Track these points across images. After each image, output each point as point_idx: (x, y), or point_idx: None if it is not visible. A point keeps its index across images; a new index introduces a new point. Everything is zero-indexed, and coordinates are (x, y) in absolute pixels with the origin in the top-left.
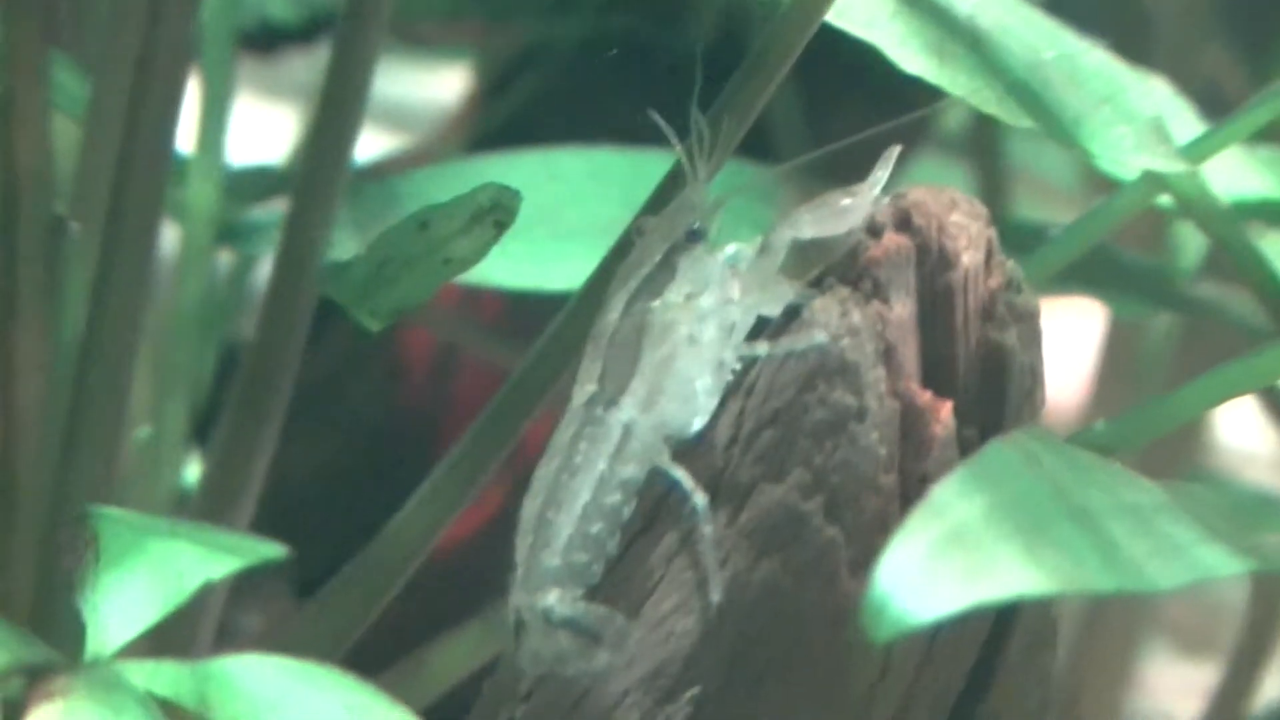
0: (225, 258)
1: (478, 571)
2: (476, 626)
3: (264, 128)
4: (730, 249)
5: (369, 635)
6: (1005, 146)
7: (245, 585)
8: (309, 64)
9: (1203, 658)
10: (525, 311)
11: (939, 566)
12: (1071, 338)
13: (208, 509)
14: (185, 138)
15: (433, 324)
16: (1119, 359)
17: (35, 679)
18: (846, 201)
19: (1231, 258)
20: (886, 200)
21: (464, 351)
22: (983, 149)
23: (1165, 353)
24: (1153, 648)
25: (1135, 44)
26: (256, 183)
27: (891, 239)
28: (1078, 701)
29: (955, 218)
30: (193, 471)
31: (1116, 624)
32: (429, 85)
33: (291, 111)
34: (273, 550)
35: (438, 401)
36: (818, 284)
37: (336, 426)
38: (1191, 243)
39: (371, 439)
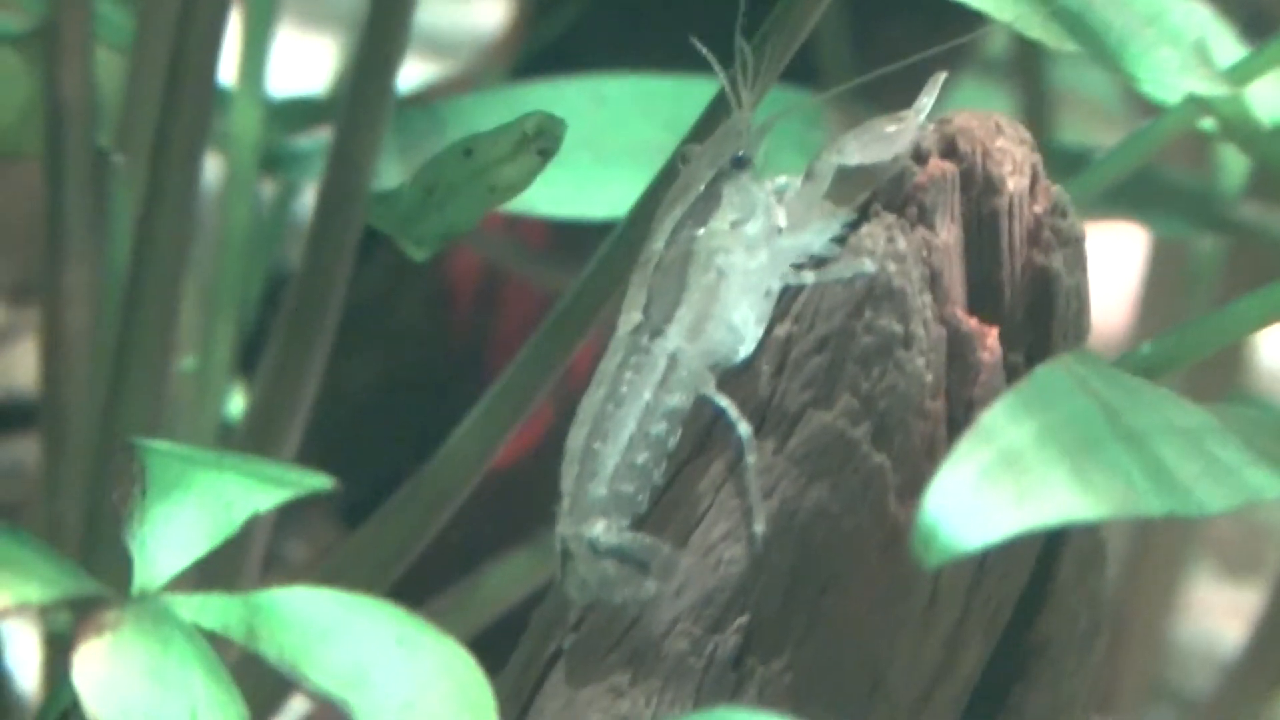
0: (270, 187)
1: (526, 496)
2: (525, 553)
3: (305, 58)
4: (778, 178)
5: (419, 560)
6: (1049, 71)
7: (292, 513)
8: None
9: (1248, 580)
10: (572, 235)
11: (989, 491)
12: (1116, 261)
13: (255, 436)
14: (228, 69)
15: (479, 247)
16: (1164, 282)
17: (84, 612)
18: (892, 128)
19: (1275, 180)
20: (931, 126)
21: (510, 274)
22: (1026, 73)
23: (1210, 275)
24: (1199, 570)
25: None
26: (300, 112)
27: (936, 165)
28: (1126, 624)
29: (1000, 143)
30: (239, 399)
31: (1163, 547)
32: (470, 12)
33: (332, 41)
34: (319, 481)
35: (484, 325)
36: (864, 210)
37: (383, 351)
38: (1235, 165)
39: (418, 363)
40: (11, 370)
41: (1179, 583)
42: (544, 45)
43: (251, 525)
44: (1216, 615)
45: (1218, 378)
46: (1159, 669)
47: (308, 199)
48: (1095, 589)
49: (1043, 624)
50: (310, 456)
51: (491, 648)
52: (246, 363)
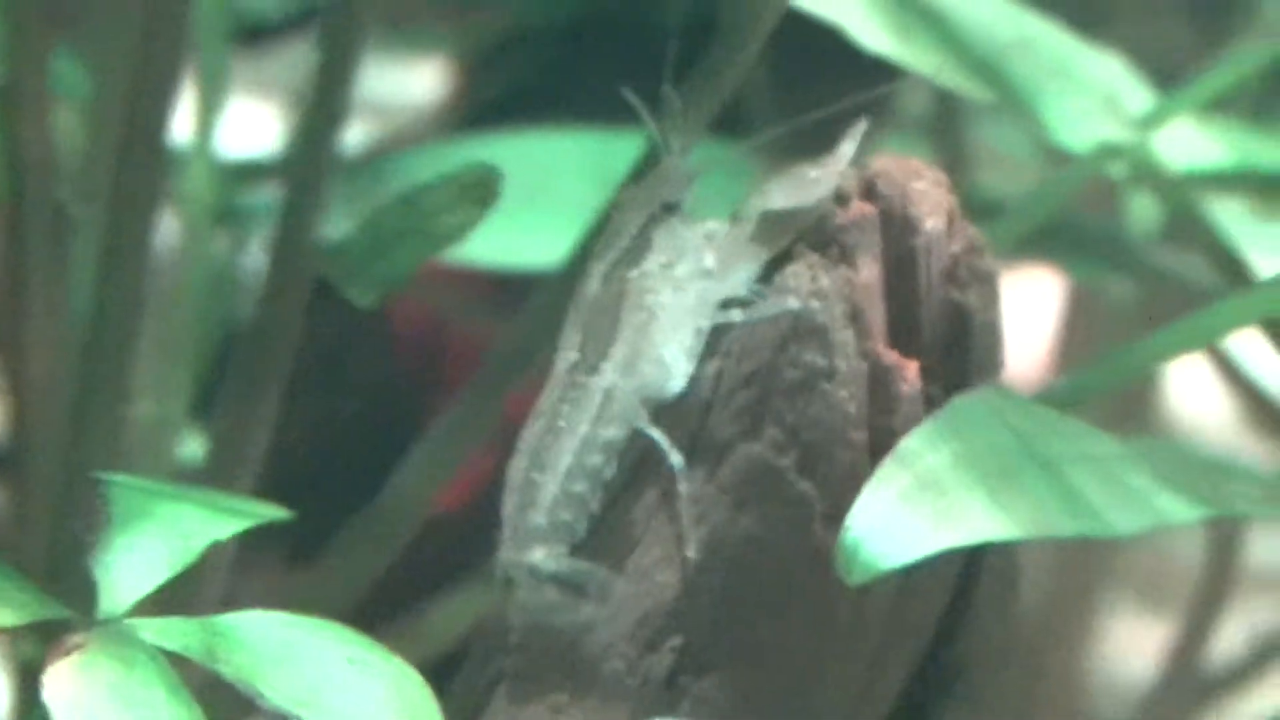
0: (223, 241)
1: (470, 538)
2: (471, 588)
3: (254, 124)
4: (706, 222)
5: (367, 600)
6: (967, 129)
7: (244, 557)
8: (294, 62)
9: (1162, 613)
10: (513, 287)
11: (908, 513)
12: (1033, 307)
13: (211, 478)
14: (182, 130)
15: (425, 298)
16: (1080, 327)
17: (52, 636)
18: (815, 173)
19: (1185, 224)
20: (853, 171)
21: (454, 325)
22: (946, 130)
23: (1125, 320)
24: (1114, 604)
25: (1091, 22)
26: (250, 171)
27: (858, 207)
28: (1043, 655)
29: (918, 186)
30: (196, 445)
31: (1079, 581)
32: (407, 81)
33: (278, 109)
34: (275, 512)
35: (429, 373)
36: (788, 251)
37: (332, 399)
38: (1146, 211)
39: (366, 410)
40: None
41: (1095, 616)
42: (481, 108)
43: (211, 556)
44: (1131, 647)
45: (1128, 421)
46: (1075, 700)
47: (258, 254)
48: (1009, 611)
49: (961, 645)
50: (264, 499)
51: (438, 680)
52: (202, 409)
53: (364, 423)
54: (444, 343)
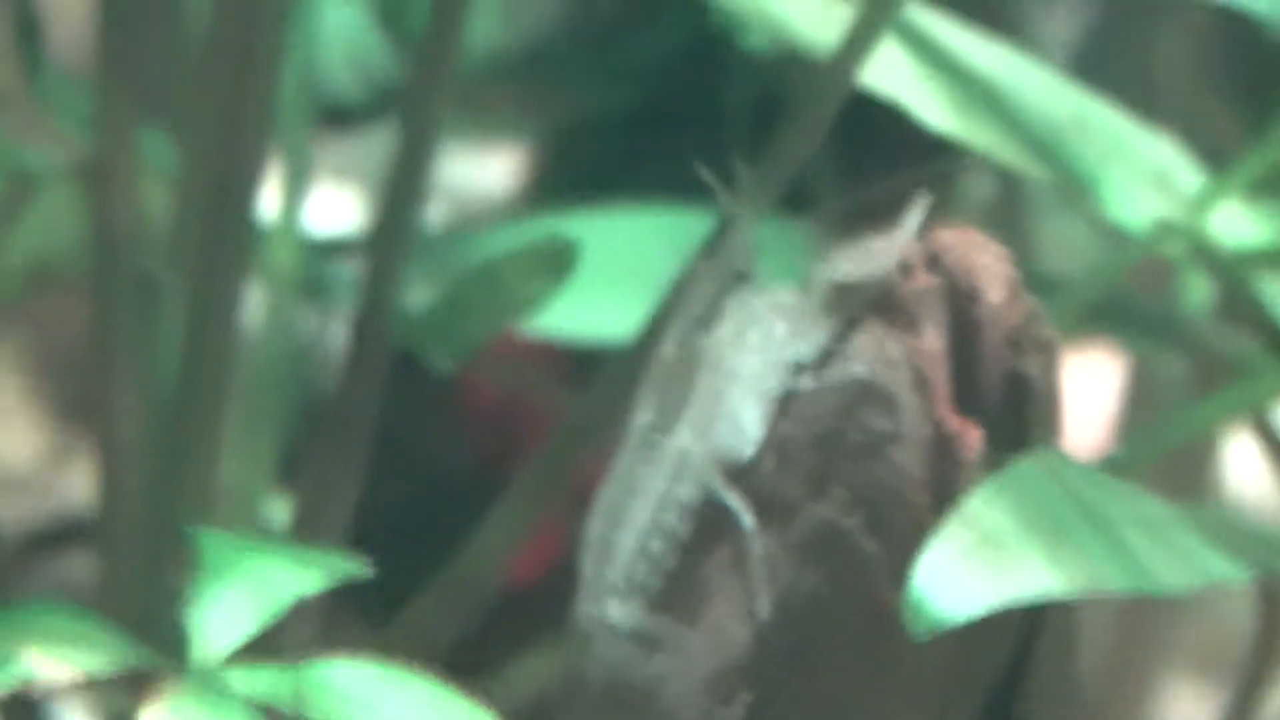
0: (306, 314)
1: (545, 609)
2: (546, 653)
3: (335, 206)
4: (776, 292)
5: (445, 665)
6: (1028, 216)
7: (325, 624)
8: (374, 148)
9: (1213, 682)
10: (584, 364)
11: (970, 568)
12: (1091, 383)
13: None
14: (268, 208)
15: (499, 375)
16: (1137, 404)
17: (142, 686)
18: (880, 245)
19: (1238, 303)
20: (917, 243)
21: (527, 402)
22: (1006, 216)
23: (1181, 397)
24: (1169, 672)
25: (1142, 103)
26: (333, 246)
27: (922, 278)
28: (1101, 716)
29: (980, 258)
30: (280, 512)
31: (1137, 649)
32: (482, 168)
33: (359, 193)
34: (360, 567)
35: (503, 450)
36: (856, 321)
37: (412, 474)
38: (1200, 288)
39: (442, 485)
40: (66, 488)
41: (1151, 683)
42: (554, 192)
43: (298, 611)
44: (1185, 715)
45: (1182, 495)
46: None
47: (340, 326)
48: (1071, 669)
49: (1022, 702)
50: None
51: None
52: (286, 477)
53: (441, 495)
54: (518, 419)
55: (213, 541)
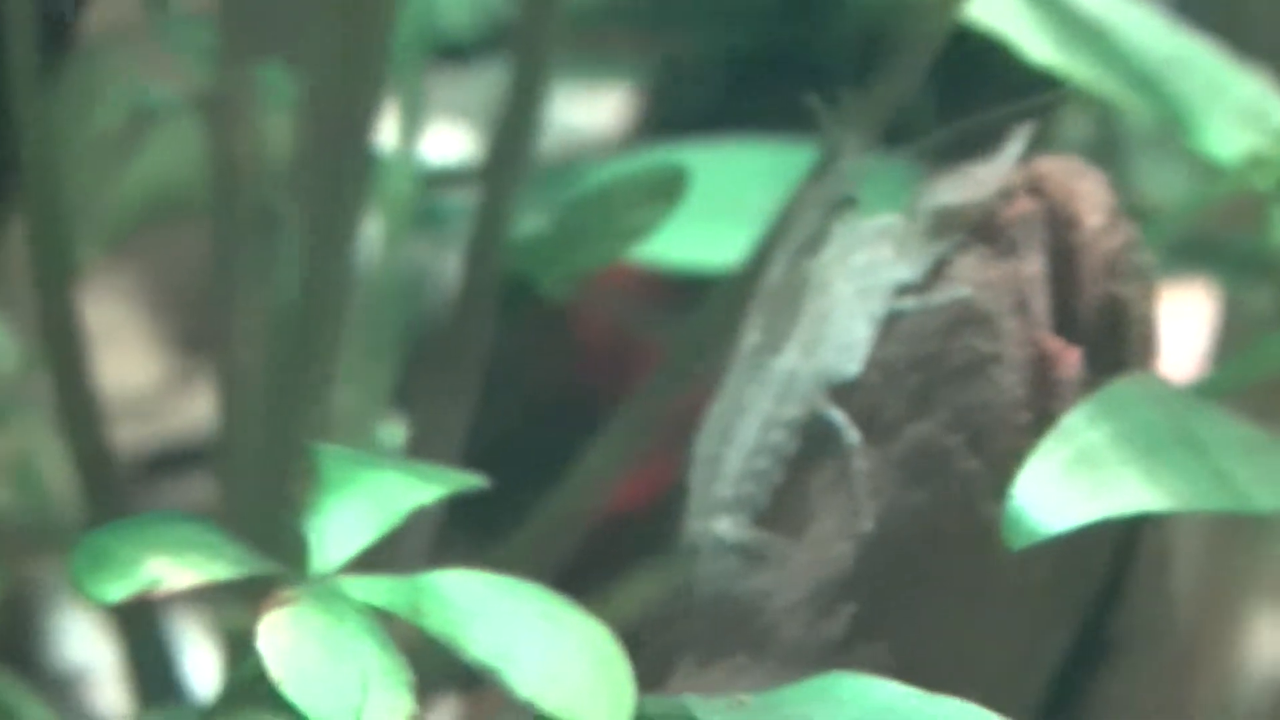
0: (421, 243)
1: (650, 537)
2: (653, 575)
3: (448, 141)
4: (882, 216)
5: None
6: (1125, 160)
7: (438, 542)
8: (486, 85)
9: None
10: (691, 294)
11: (1068, 484)
12: (1184, 319)
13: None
14: (384, 140)
15: (608, 305)
16: (1228, 337)
17: (265, 590)
18: (982, 172)
19: None
20: (1018, 170)
21: (634, 333)
22: (1104, 160)
23: (1271, 330)
24: (1264, 604)
25: (1237, 42)
26: (447, 177)
27: (1023, 203)
28: (1193, 642)
29: (1080, 184)
30: (395, 436)
31: (1231, 579)
32: (592, 107)
33: (471, 129)
34: (475, 480)
35: (611, 379)
36: (959, 244)
37: (522, 403)
38: None
39: (552, 413)
40: (184, 415)
41: (1245, 614)
42: (662, 132)
43: (413, 524)
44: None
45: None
46: (1223, 689)
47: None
48: (1165, 591)
49: (1117, 621)
50: (457, 498)
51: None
52: (402, 402)
53: (550, 422)
54: (626, 349)
55: (330, 456)
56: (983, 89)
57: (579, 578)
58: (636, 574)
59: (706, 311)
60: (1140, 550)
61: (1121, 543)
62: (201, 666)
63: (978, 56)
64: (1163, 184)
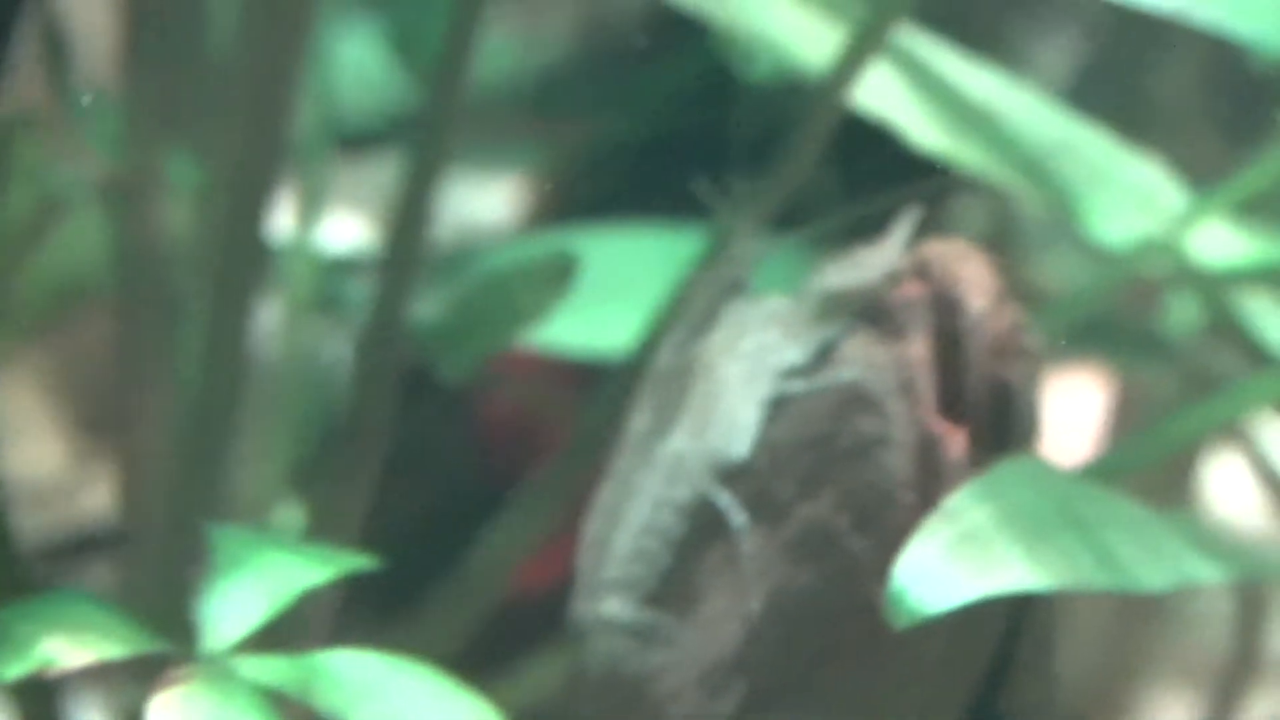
0: (320, 328)
1: (554, 615)
2: (553, 657)
3: (347, 230)
4: (769, 300)
5: (455, 667)
6: (1020, 249)
7: (338, 623)
8: (383, 176)
9: (1192, 695)
10: (596, 381)
11: (951, 562)
12: (1079, 402)
13: None
14: (285, 227)
15: (514, 390)
16: (1123, 420)
17: (157, 669)
18: (870, 256)
19: (1223, 321)
20: (906, 254)
21: (537, 416)
22: (999, 248)
23: (1167, 414)
24: (1150, 684)
25: (1135, 130)
26: (346, 265)
27: (910, 287)
28: None
29: (967, 268)
30: (294, 519)
31: (1118, 660)
32: (488, 196)
33: (370, 218)
34: (368, 561)
35: (514, 461)
36: (846, 328)
37: (425, 487)
38: (1188, 307)
39: (457, 497)
40: (87, 501)
41: (1132, 694)
42: (557, 219)
43: (311, 607)
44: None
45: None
46: None
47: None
48: (1050, 670)
49: (1003, 700)
50: (362, 579)
51: None
52: (301, 485)
53: (452, 504)
54: (529, 431)
55: (226, 536)
56: (881, 173)
57: (482, 658)
58: (539, 654)
59: (608, 394)
60: (1027, 631)
61: (1010, 623)
62: None
63: (875, 142)
64: (1061, 268)
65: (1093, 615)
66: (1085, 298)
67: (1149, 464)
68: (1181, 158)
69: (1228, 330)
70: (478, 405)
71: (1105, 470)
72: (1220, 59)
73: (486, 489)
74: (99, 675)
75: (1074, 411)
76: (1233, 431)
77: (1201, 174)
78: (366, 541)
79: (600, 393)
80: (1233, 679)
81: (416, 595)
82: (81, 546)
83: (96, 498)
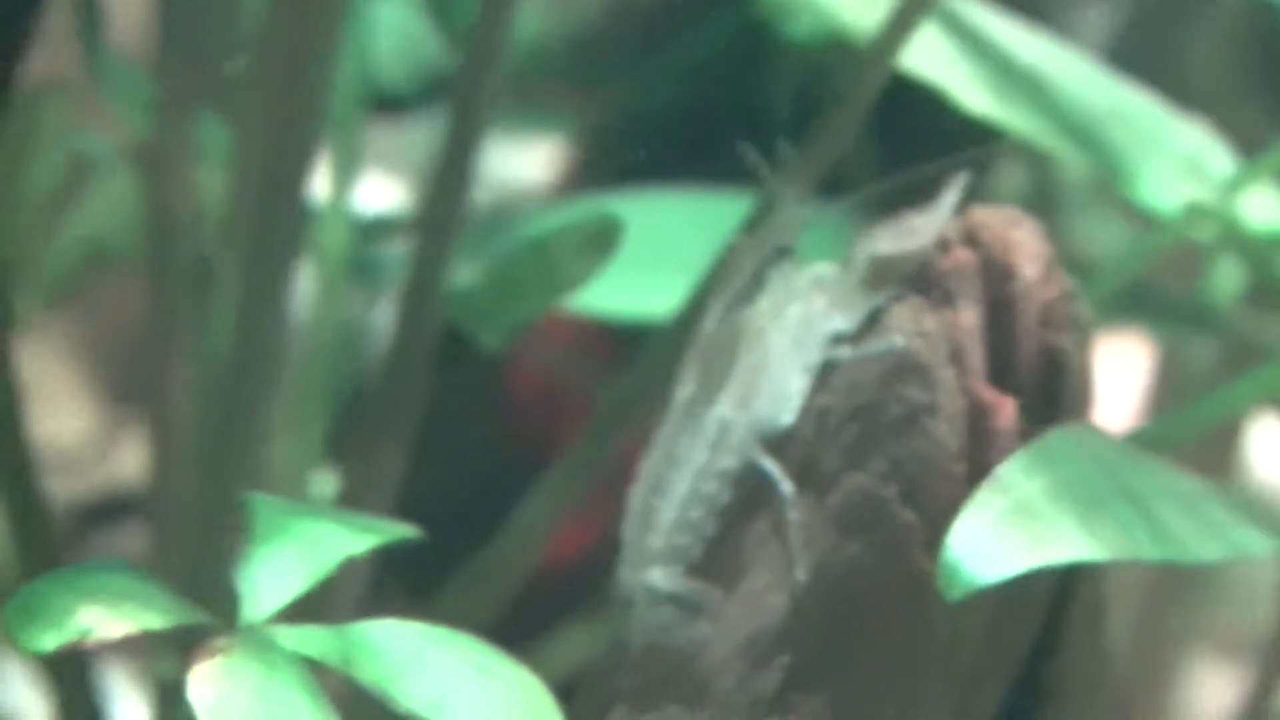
0: (356, 294)
1: (585, 588)
2: (586, 627)
3: (382, 193)
4: (817, 266)
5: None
6: (1062, 213)
7: (370, 596)
8: (421, 139)
9: (1238, 666)
10: (628, 350)
11: (1004, 534)
12: (1122, 371)
13: None
14: (319, 191)
15: (542, 361)
16: (1166, 389)
17: (197, 640)
18: (919, 222)
19: (1266, 286)
20: (955, 220)
21: (566, 385)
22: (1041, 213)
23: (1210, 383)
24: (1195, 654)
25: (1177, 96)
26: (382, 226)
27: (959, 254)
28: (1128, 693)
29: (1016, 235)
30: (328, 488)
31: (1164, 630)
32: (526, 160)
33: (406, 181)
34: (408, 530)
35: (543, 431)
36: (894, 295)
37: (455, 458)
38: (1231, 276)
39: (485, 466)
40: (116, 467)
41: (1177, 664)
42: (596, 184)
43: (346, 576)
44: (1210, 695)
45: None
46: None
47: (390, 304)
48: (1099, 644)
49: (1051, 673)
50: (392, 548)
51: (560, 700)
52: (336, 453)
53: (484, 475)
54: (560, 401)
55: (263, 507)
56: (924, 139)
57: (514, 629)
58: (571, 626)
59: (641, 363)
60: (1074, 604)
61: (1058, 594)
62: (133, 717)
63: (921, 107)
64: (1101, 235)
65: (1133, 587)
66: (1130, 264)
67: (1195, 435)
68: (1221, 125)
69: (1270, 298)
70: (509, 373)
71: (1151, 440)
72: (1257, 27)
73: (517, 458)
74: (134, 645)
75: (1116, 380)
76: (1276, 400)
77: (1241, 141)
78: (401, 511)
79: (635, 361)
80: (1276, 651)
81: (448, 566)
82: (114, 512)
83: (127, 465)
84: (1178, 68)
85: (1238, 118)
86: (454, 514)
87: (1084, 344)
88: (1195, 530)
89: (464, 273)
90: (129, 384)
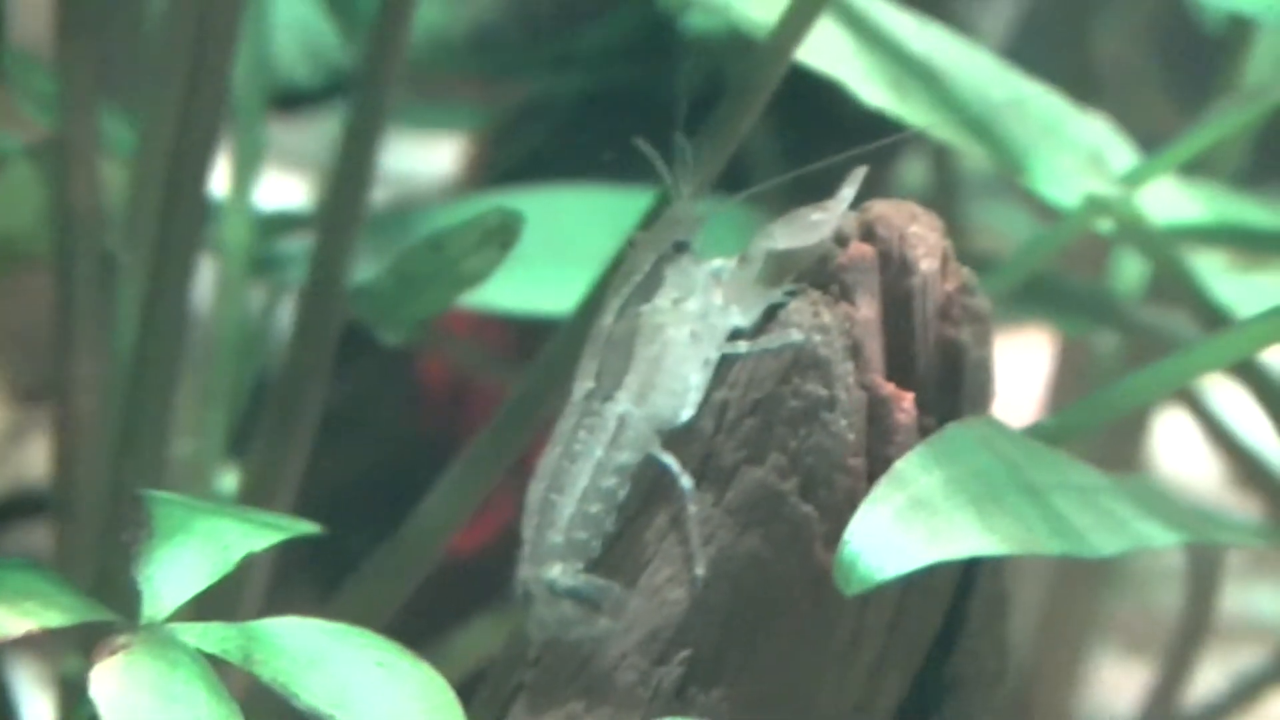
0: (257, 289)
1: (490, 580)
2: (489, 620)
3: (283, 190)
4: (714, 261)
5: (391, 632)
6: (962, 204)
7: (273, 592)
8: (321, 135)
9: (1144, 658)
10: (532, 341)
11: (902, 529)
12: (1023, 362)
13: None
14: (221, 187)
15: (449, 352)
16: (1068, 382)
17: (98, 638)
18: (816, 216)
19: (1168, 278)
20: (852, 214)
21: (476, 379)
22: (941, 205)
23: (1112, 376)
24: (1100, 647)
25: (1079, 90)
26: (283, 221)
27: (857, 248)
28: (1031, 688)
29: (914, 228)
30: (230, 484)
31: (1067, 624)
32: (427, 154)
33: (306, 178)
34: (308, 527)
35: (451, 424)
36: (792, 289)
37: (361, 448)
38: (1132, 269)
39: (392, 459)
40: (22, 466)
41: (1081, 657)
42: (498, 177)
43: (248, 574)
44: (1115, 688)
45: (1116, 468)
46: None
47: (291, 299)
48: (1000, 635)
49: (954, 664)
50: (295, 542)
51: (461, 696)
52: (239, 449)
53: (389, 468)
54: (467, 394)
55: (165, 504)
56: (824, 132)
57: (418, 623)
58: (476, 619)
59: (545, 357)
60: (977, 594)
61: (958, 587)
62: (39, 714)
63: (820, 100)
64: (1004, 227)
65: (1038, 579)
66: (1030, 257)
67: (1098, 427)
68: (1126, 117)
69: (1173, 291)
70: (414, 365)
71: (1053, 433)
72: (1165, 18)
73: (424, 451)
74: (40, 642)
75: (1018, 373)
76: (1181, 393)
77: (1147, 134)
78: (302, 506)
79: (539, 355)
80: (1183, 642)
81: (352, 560)
82: (16, 508)
83: (31, 462)
84: (1085, 59)
85: (1146, 108)
86: (365, 507)
87: (983, 337)
88: (1095, 523)
89: (366, 268)
90: (37, 380)
